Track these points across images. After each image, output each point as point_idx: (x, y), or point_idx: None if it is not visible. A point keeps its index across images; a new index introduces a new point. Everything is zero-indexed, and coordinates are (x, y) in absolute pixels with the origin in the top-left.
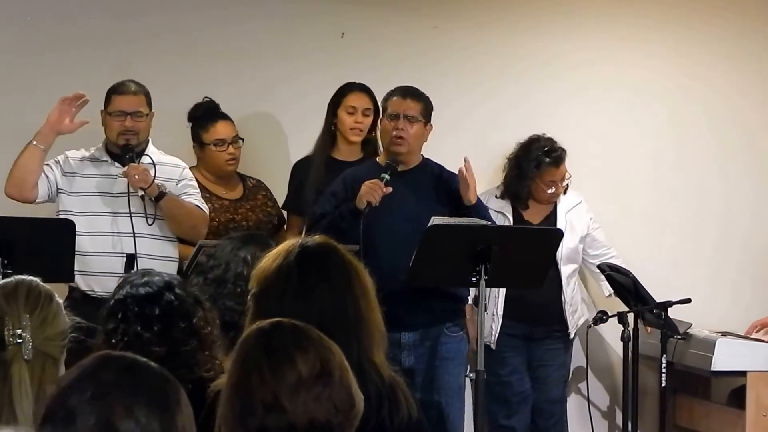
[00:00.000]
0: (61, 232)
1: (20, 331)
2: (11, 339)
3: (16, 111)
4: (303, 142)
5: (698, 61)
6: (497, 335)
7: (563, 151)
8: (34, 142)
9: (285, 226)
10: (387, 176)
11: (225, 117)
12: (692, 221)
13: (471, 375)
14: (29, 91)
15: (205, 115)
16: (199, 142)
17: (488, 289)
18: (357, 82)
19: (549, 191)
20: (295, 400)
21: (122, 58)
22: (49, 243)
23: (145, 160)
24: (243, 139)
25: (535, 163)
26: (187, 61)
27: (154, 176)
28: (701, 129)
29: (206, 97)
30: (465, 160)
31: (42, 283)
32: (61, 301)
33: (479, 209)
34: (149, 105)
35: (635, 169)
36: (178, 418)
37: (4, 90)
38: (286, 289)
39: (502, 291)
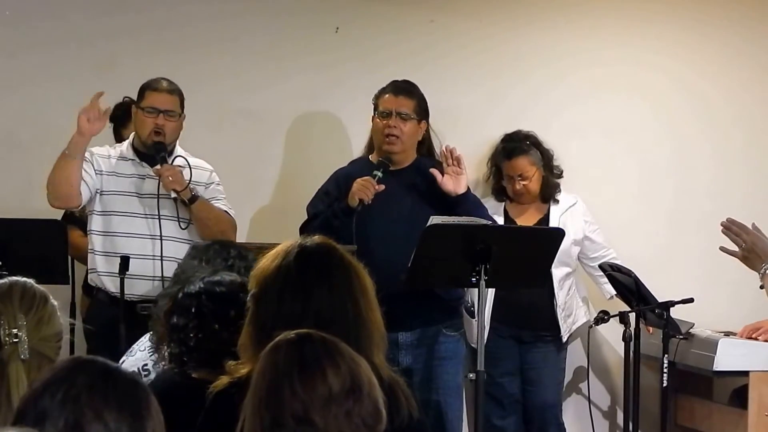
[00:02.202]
0: (54, 233)
1: (16, 330)
2: (7, 339)
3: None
4: (297, 139)
5: (699, 57)
6: (486, 338)
7: (524, 144)
8: (68, 153)
9: None
10: (379, 174)
11: None
12: (694, 220)
13: (471, 375)
14: (10, 89)
15: (126, 113)
16: (120, 141)
17: (487, 289)
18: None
19: (508, 185)
20: (326, 415)
21: (106, 55)
22: (43, 244)
23: (179, 161)
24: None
25: (496, 154)
26: (173, 58)
27: (190, 179)
28: (703, 126)
29: (126, 97)
30: (445, 148)
31: (36, 285)
32: (56, 303)
33: (467, 203)
34: (182, 106)
35: (637, 167)
36: (147, 424)
37: None
38: (285, 289)
39: (491, 294)
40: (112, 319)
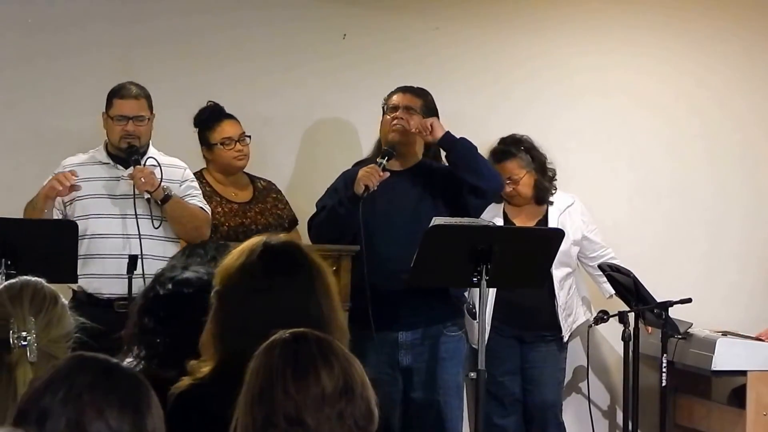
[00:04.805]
0: (64, 233)
1: (25, 333)
2: (16, 341)
3: (18, 115)
4: (305, 143)
5: (694, 63)
6: (486, 338)
7: (513, 148)
8: (38, 207)
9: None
10: (384, 162)
11: (230, 116)
12: (693, 221)
13: (472, 374)
14: (31, 96)
15: (210, 117)
16: (207, 144)
17: (488, 289)
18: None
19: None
20: (319, 416)
21: (124, 63)
22: (52, 244)
23: (150, 162)
24: (250, 137)
25: (488, 157)
26: (189, 65)
27: (161, 179)
28: (700, 130)
29: (210, 101)
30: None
31: (47, 285)
32: (66, 302)
33: (455, 144)
34: (150, 108)
35: (635, 169)
36: (148, 421)
37: (5, 94)
38: (249, 288)
39: (492, 296)
40: (91, 318)
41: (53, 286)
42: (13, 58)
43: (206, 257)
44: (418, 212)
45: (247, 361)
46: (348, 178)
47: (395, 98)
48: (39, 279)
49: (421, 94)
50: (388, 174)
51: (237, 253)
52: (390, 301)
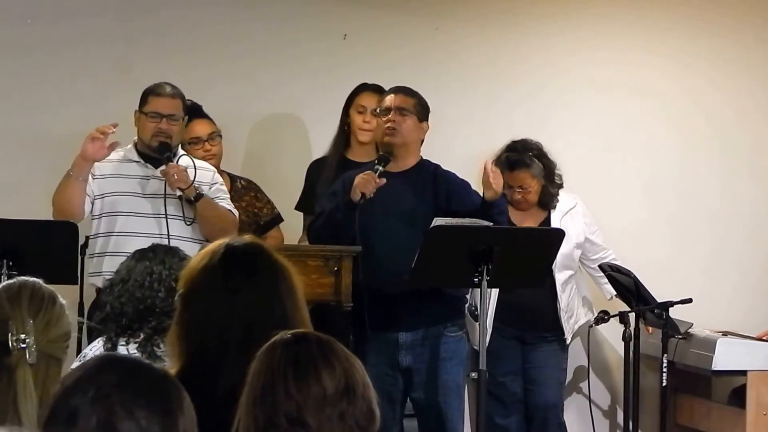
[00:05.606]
0: (65, 234)
1: (24, 335)
2: (15, 344)
3: (17, 112)
4: (304, 144)
5: (700, 60)
6: (488, 339)
7: (527, 157)
8: (72, 174)
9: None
10: (380, 168)
11: (201, 116)
12: (693, 221)
13: (474, 375)
14: (29, 91)
15: (187, 116)
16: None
17: (489, 289)
18: (371, 83)
19: (508, 192)
20: (320, 417)
21: (122, 59)
22: (53, 245)
23: (183, 160)
24: (221, 136)
25: (499, 161)
26: (187, 63)
27: (194, 178)
28: (703, 128)
29: (188, 100)
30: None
31: (45, 285)
32: (64, 302)
33: (493, 207)
34: (184, 109)
35: (636, 169)
36: (179, 421)
37: (3, 90)
38: (212, 290)
39: (494, 297)
40: None
41: (55, 287)
42: (11, 56)
43: (155, 260)
44: (416, 213)
45: (212, 362)
46: (347, 181)
47: (387, 100)
48: (37, 279)
49: (411, 93)
50: (384, 180)
51: (200, 255)
52: (390, 302)
